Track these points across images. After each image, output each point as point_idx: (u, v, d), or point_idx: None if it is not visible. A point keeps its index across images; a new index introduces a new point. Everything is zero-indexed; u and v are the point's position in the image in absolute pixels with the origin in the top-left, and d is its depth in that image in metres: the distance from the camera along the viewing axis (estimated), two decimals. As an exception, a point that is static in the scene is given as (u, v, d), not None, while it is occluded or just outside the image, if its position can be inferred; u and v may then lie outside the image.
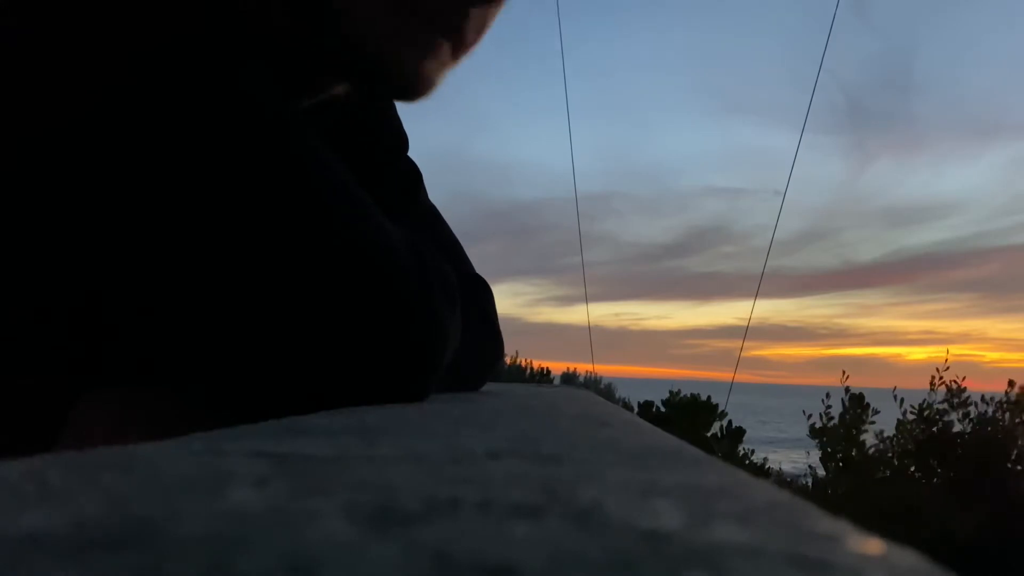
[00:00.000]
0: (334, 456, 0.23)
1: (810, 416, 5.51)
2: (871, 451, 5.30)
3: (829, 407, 5.47)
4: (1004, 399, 5.24)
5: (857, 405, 5.43)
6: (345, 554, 0.13)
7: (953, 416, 5.25)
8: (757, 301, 6.40)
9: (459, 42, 0.58)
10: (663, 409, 6.25)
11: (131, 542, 0.13)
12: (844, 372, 5.61)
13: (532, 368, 8.59)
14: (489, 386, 0.78)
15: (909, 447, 5.22)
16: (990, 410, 5.23)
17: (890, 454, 5.28)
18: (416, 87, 0.58)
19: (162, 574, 0.12)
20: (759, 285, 6.33)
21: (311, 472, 0.21)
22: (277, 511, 0.16)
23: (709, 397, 6.26)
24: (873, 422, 5.42)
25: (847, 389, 5.50)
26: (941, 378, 5.39)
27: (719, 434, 6.02)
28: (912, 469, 5.17)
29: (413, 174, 0.76)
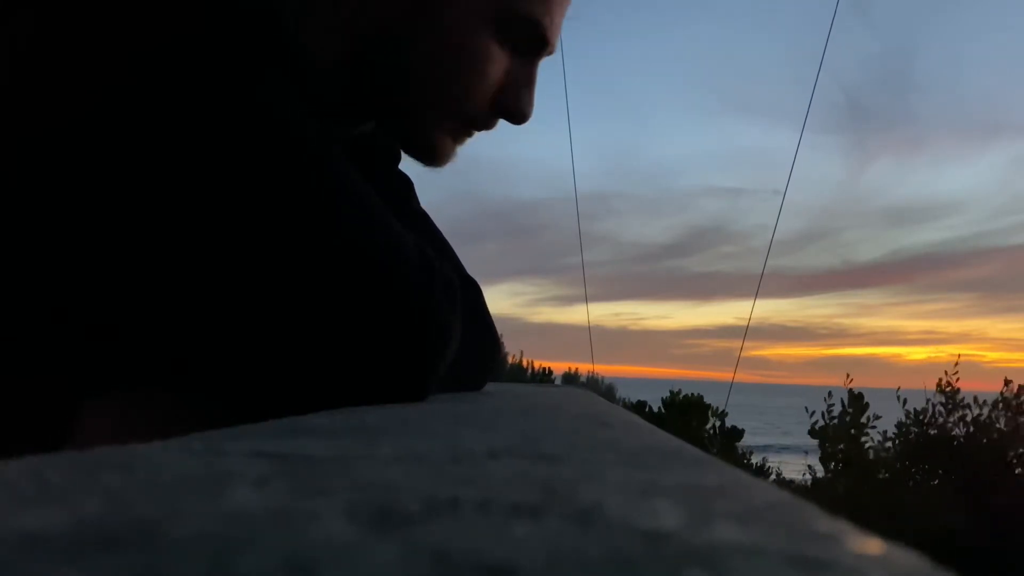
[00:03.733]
0: (334, 456, 0.23)
1: (812, 413, 5.48)
2: (871, 452, 5.28)
3: (832, 406, 5.43)
4: (999, 398, 5.19)
5: (856, 405, 5.41)
6: (345, 554, 0.13)
7: (949, 420, 5.20)
8: (757, 301, 6.39)
9: (485, 130, 0.71)
10: (655, 409, 6.24)
11: (131, 542, 0.13)
12: (848, 375, 5.58)
13: (533, 368, 8.57)
14: (489, 386, 0.78)
15: (907, 449, 5.20)
16: (984, 411, 5.18)
17: (885, 455, 5.25)
18: (442, 164, 0.71)
19: (162, 574, 0.12)
20: (759, 285, 6.32)
21: (311, 472, 0.21)
22: (277, 511, 0.16)
23: (702, 396, 6.25)
24: (874, 426, 5.39)
25: (851, 391, 5.47)
26: (948, 382, 5.33)
27: (713, 431, 6.01)
28: (914, 471, 5.14)
29: (405, 182, 0.78)
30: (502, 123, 0.70)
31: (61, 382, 0.49)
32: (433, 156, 0.70)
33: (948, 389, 5.32)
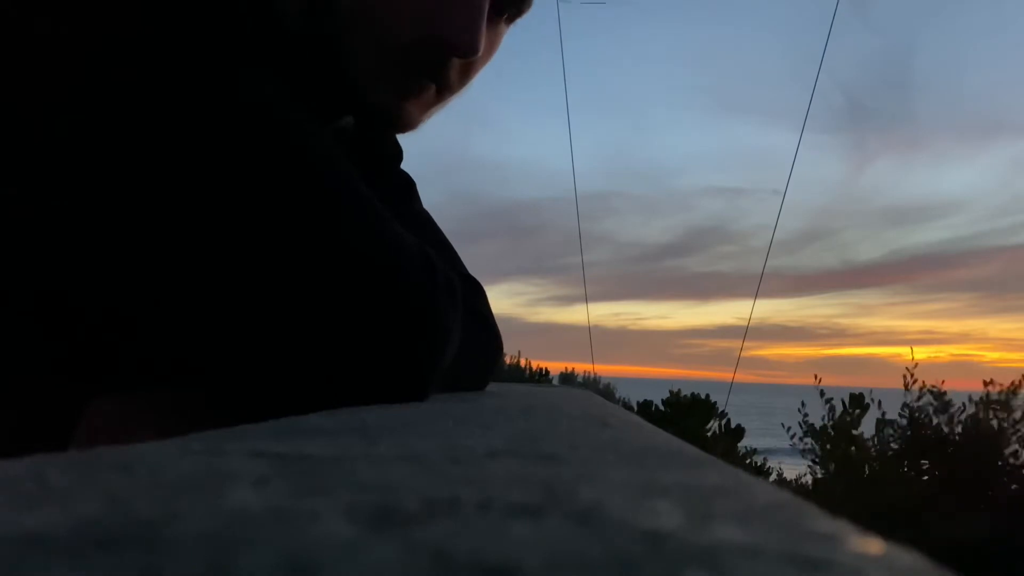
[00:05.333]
0: (334, 456, 0.23)
1: (806, 415, 5.48)
2: (872, 451, 5.27)
3: (830, 400, 5.41)
4: (983, 398, 5.18)
5: (857, 405, 5.41)
6: (345, 554, 0.13)
7: (940, 419, 5.20)
8: (757, 301, 6.40)
9: (445, 86, 0.66)
10: (662, 408, 6.24)
11: (131, 542, 0.13)
12: (816, 376, 5.61)
13: (531, 368, 8.57)
14: (489, 386, 0.78)
15: (896, 447, 5.19)
16: (971, 408, 5.18)
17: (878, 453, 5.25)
18: (400, 124, 0.67)
19: (162, 574, 0.12)
20: (759, 285, 6.33)
21: (311, 472, 0.21)
22: (277, 511, 0.16)
23: (708, 396, 6.25)
24: (860, 432, 5.38)
25: (821, 392, 5.45)
26: (915, 378, 5.31)
27: (717, 431, 6.02)
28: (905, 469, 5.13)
29: (407, 183, 0.78)
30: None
31: (62, 383, 0.49)
32: (395, 119, 0.65)
33: (935, 390, 5.30)
